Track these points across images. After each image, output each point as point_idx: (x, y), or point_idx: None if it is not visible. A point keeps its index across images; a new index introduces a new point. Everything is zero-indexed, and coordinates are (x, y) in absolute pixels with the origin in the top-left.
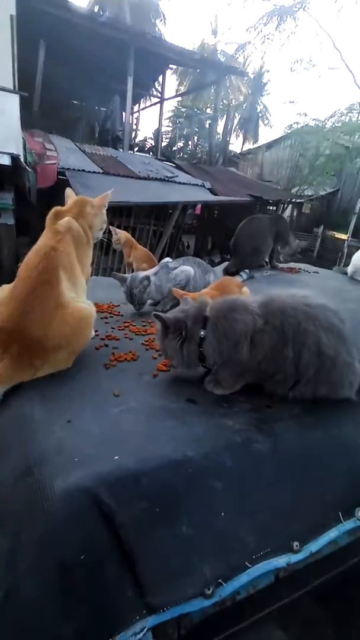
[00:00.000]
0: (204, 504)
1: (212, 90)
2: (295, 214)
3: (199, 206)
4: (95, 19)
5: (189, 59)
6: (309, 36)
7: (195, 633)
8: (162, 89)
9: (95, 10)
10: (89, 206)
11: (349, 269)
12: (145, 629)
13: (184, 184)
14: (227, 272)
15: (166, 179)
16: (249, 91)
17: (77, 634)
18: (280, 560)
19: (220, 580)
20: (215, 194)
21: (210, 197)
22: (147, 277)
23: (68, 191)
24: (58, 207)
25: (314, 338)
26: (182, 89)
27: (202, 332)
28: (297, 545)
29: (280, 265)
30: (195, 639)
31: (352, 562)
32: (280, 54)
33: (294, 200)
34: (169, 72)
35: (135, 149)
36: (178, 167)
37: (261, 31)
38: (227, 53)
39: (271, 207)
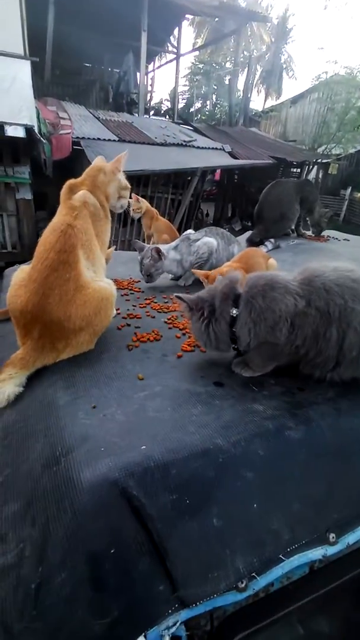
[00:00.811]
0: (235, 495)
1: (232, 41)
2: (320, 175)
3: (218, 171)
4: None
5: (207, 7)
6: None
7: (228, 624)
8: (178, 43)
9: None
10: (101, 174)
11: None
12: (179, 623)
13: (202, 148)
14: (251, 241)
15: (184, 143)
16: (272, 39)
17: (109, 628)
18: (316, 553)
19: (254, 574)
20: (235, 158)
21: (230, 161)
22: (158, 251)
23: (98, 160)
24: (72, 180)
25: None
26: (200, 42)
27: (233, 311)
28: (333, 537)
29: (308, 232)
30: (228, 630)
31: None
32: None
33: (320, 160)
34: (185, 24)
35: (151, 112)
36: (196, 130)
37: None
38: None
39: (295, 170)
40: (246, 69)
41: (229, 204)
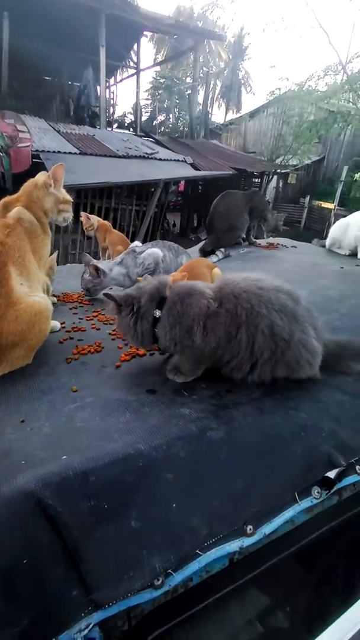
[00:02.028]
0: (155, 497)
1: (191, 57)
2: (280, 185)
3: (182, 183)
4: None
5: (163, 25)
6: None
7: (147, 622)
8: (138, 58)
9: None
10: (36, 190)
11: (327, 242)
12: (92, 625)
13: (164, 160)
14: (204, 251)
15: (146, 155)
16: (230, 56)
17: (20, 637)
18: (233, 545)
19: (170, 571)
20: (197, 169)
21: (192, 173)
22: (97, 268)
23: (39, 175)
24: (7, 197)
25: (266, 321)
26: (160, 57)
27: (157, 312)
28: (250, 529)
29: (259, 241)
30: (147, 628)
31: (308, 539)
32: (259, 15)
33: (279, 170)
34: (144, 40)
35: (115, 125)
36: (158, 142)
37: None
38: (205, 16)
39: (256, 180)
40: (205, 84)
41: (194, 213)
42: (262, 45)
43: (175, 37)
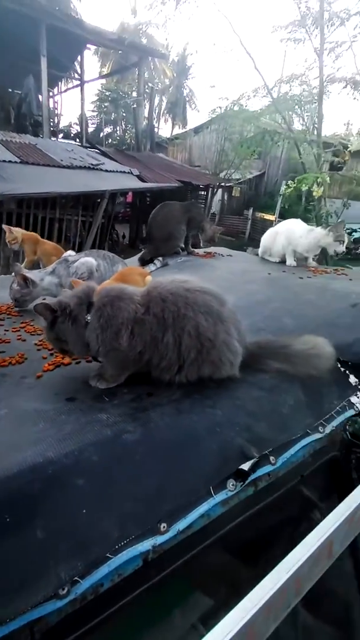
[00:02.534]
0: (64, 504)
1: (136, 73)
2: (226, 197)
3: (130, 194)
4: None
5: (106, 40)
6: (210, 20)
7: (54, 633)
8: (82, 70)
9: None
10: None
11: (259, 250)
12: None
13: (110, 171)
14: (142, 260)
15: (91, 166)
16: (174, 74)
17: None
18: (146, 545)
19: (77, 578)
20: (144, 181)
21: (139, 184)
22: (25, 278)
23: None
24: None
25: (193, 322)
26: (105, 70)
27: (87, 317)
28: (164, 527)
29: (197, 250)
30: (56, 638)
31: (223, 531)
32: (199, 37)
33: (223, 184)
34: (89, 53)
35: (60, 135)
36: (104, 154)
37: (161, 11)
38: (149, 34)
39: (202, 192)
40: (149, 100)
41: (143, 225)
42: (204, 66)
43: (120, 52)
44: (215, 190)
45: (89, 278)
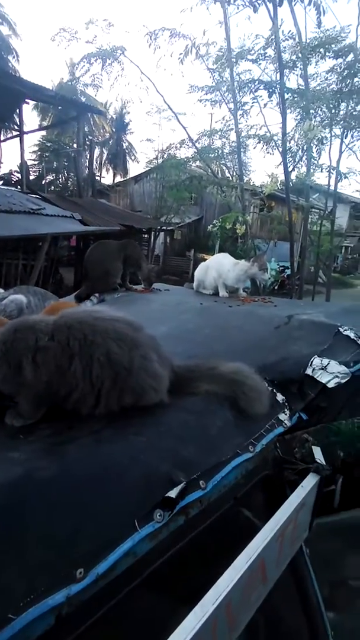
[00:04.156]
0: None
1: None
2: (168, 240)
3: (74, 238)
4: None
5: (44, 95)
6: (135, 80)
7: None
8: (20, 122)
9: None
10: None
11: (194, 284)
12: None
13: (52, 215)
14: (79, 297)
15: (31, 211)
16: (113, 129)
17: None
18: (57, 597)
19: None
20: (86, 225)
21: (81, 228)
22: None
23: None
24: None
25: (102, 349)
26: (45, 122)
27: None
28: (80, 573)
29: (136, 287)
30: None
31: (153, 567)
32: (134, 96)
33: (164, 227)
34: (28, 107)
35: (0, 182)
36: (45, 199)
37: (89, 70)
38: (87, 93)
39: (145, 235)
40: (89, 151)
41: None
42: (141, 121)
43: (60, 107)
44: (157, 233)
45: (18, 315)
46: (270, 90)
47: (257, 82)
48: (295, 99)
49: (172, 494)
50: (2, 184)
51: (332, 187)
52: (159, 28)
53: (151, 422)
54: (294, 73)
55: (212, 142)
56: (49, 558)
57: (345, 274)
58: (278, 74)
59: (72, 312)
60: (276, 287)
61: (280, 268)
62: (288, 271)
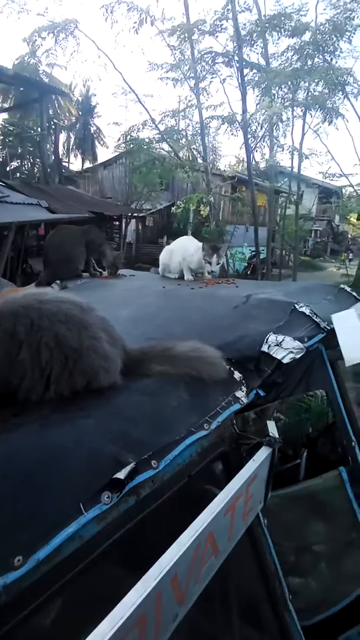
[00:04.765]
0: None
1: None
2: (140, 227)
3: (42, 227)
4: None
5: (4, 76)
6: (93, 57)
7: None
8: None
9: None
10: None
11: (160, 269)
12: None
13: (17, 203)
14: (40, 284)
15: None
16: (80, 113)
17: None
18: None
19: None
20: (53, 213)
21: (48, 216)
22: None
23: None
24: None
25: (50, 333)
26: (6, 105)
27: None
28: (19, 560)
29: (101, 272)
30: None
31: (103, 548)
32: (98, 77)
33: (135, 214)
34: None
35: None
36: (9, 186)
37: (42, 45)
38: (50, 74)
39: (116, 222)
40: (54, 135)
41: None
42: (109, 105)
43: (21, 89)
44: (128, 220)
45: None
46: (229, 64)
47: (213, 54)
48: (256, 76)
49: (121, 475)
50: None
51: (295, 169)
52: (115, 0)
53: (101, 405)
54: (254, 51)
55: (177, 124)
56: None
57: (315, 257)
58: (236, 48)
59: (14, 297)
60: (248, 272)
61: (253, 253)
62: (262, 255)
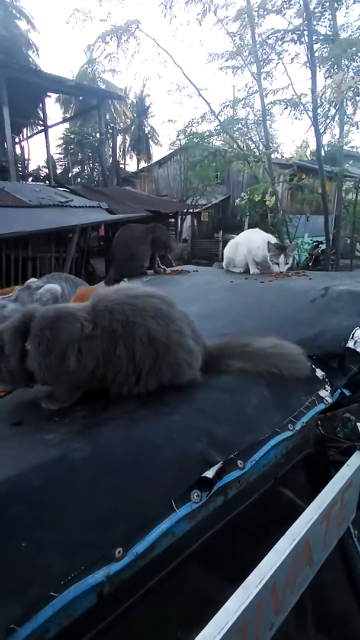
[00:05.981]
0: None
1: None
2: (195, 223)
3: (102, 228)
4: None
5: (65, 86)
6: (152, 55)
7: None
8: (44, 116)
9: None
10: None
11: (224, 263)
12: None
13: (79, 207)
14: (108, 282)
15: (60, 204)
16: (134, 114)
17: None
18: (98, 575)
19: (14, 626)
20: (113, 213)
21: (108, 217)
22: None
23: None
24: None
25: (143, 329)
26: (68, 115)
27: (27, 345)
28: (120, 552)
29: (166, 268)
30: None
31: (194, 547)
32: (154, 77)
33: (191, 210)
34: (50, 100)
35: (30, 178)
36: (73, 191)
37: (105, 49)
38: (106, 80)
39: (171, 219)
40: (112, 138)
41: None
42: (163, 103)
43: (81, 98)
44: (183, 216)
45: (54, 303)
46: (299, 40)
47: (282, 32)
48: (325, 50)
49: (209, 474)
50: (32, 180)
51: None
52: None
53: (184, 401)
54: (321, 25)
55: (236, 113)
56: (87, 537)
57: None
58: (306, 23)
59: (107, 294)
60: (310, 264)
61: (315, 243)
62: (323, 246)
